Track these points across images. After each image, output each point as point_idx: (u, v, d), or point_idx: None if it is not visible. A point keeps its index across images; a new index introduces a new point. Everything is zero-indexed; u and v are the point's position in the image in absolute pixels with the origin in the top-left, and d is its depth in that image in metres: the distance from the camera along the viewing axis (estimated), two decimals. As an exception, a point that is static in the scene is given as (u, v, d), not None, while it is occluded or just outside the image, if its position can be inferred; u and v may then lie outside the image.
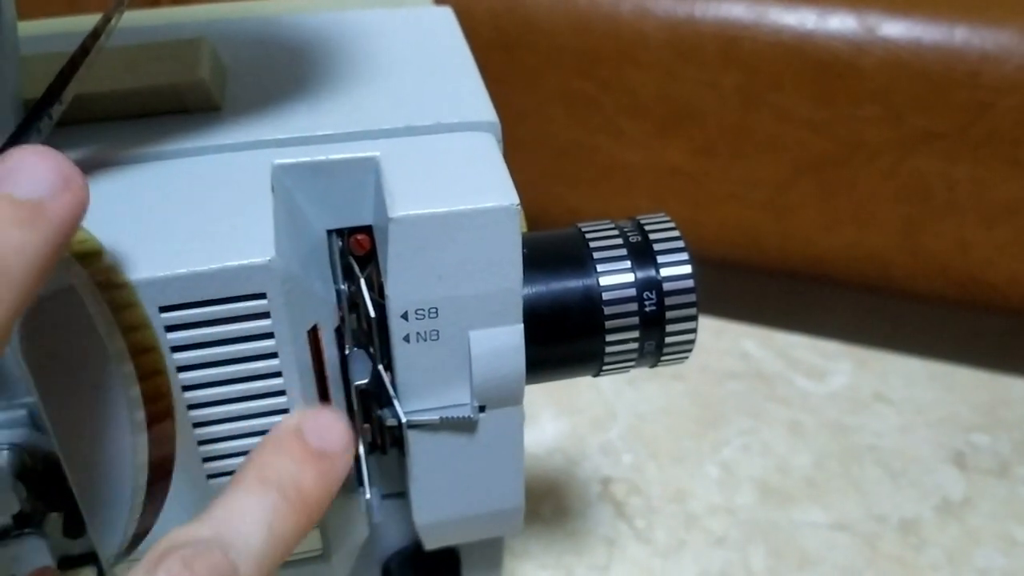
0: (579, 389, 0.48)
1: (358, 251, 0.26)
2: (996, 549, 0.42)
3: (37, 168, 0.18)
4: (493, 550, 0.34)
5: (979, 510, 0.44)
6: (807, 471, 0.45)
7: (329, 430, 0.21)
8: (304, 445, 0.21)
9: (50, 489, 0.27)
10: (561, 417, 0.47)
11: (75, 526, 0.27)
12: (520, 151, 0.79)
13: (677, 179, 0.76)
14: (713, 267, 0.79)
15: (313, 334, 0.24)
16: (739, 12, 0.71)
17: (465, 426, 0.26)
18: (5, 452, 0.26)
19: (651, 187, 0.77)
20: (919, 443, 0.47)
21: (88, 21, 0.29)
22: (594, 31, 0.73)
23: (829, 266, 0.75)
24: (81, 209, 0.18)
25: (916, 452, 0.46)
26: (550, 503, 0.43)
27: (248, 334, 0.22)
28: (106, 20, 0.22)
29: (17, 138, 0.22)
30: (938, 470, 0.46)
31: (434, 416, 0.26)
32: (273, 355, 0.23)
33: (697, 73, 0.72)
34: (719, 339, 0.52)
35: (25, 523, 0.26)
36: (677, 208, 0.77)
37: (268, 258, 0.22)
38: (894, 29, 0.68)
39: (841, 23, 0.68)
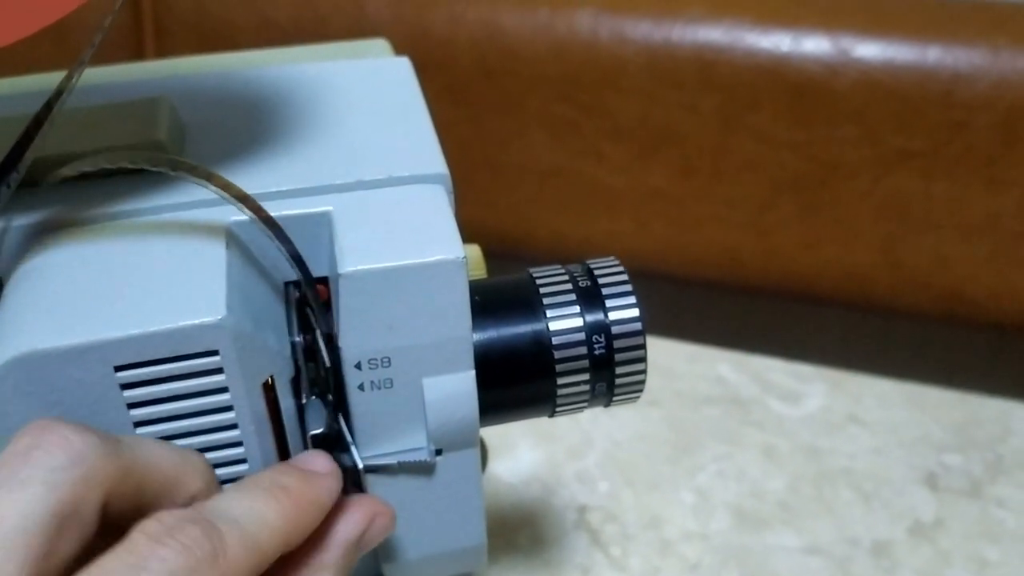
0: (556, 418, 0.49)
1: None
2: (967, 571, 0.43)
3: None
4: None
5: (951, 531, 0.44)
6: (781, 495, 0.46)
7: (313, 458, 0.25)
8: (290, 464, 0.24)
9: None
10: (538, 446, 0.48)
11: None
12: (504, 176, 0.80)
13: (659, 201, 0.77)
14: (694, 289, 0.80)
15: (269, 386, 0.25)
16: (715, 36, 0.72)
17: (422, 469, 0.27)
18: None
19: (634, 210, 0.77)
20: (892, 464, 0.47)
21: (39, 81, 0.30)
22: (574, 57, 0.74)
23: (811, 284, 0.76)
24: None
25: (889, 474, 0.47)
26: (526, 533, 0.44)
27: (203, 389, 0.23)
28: (58, 93, 0.23)
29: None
30: (910, 491, 0.46)
31: (392, 460, 0.27)
32: (228, 408, 0.24)
33: (676, 96, 0.73)
34: (694, 364, 0.53)
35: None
36: (660, 230, 0.78)
37: (219, 317, 0.22)
38: (868, 50, 0.69)
39: (815, 46, 0.69)
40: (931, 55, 0.68)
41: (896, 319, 0.75)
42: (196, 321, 0.22)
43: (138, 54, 0.78)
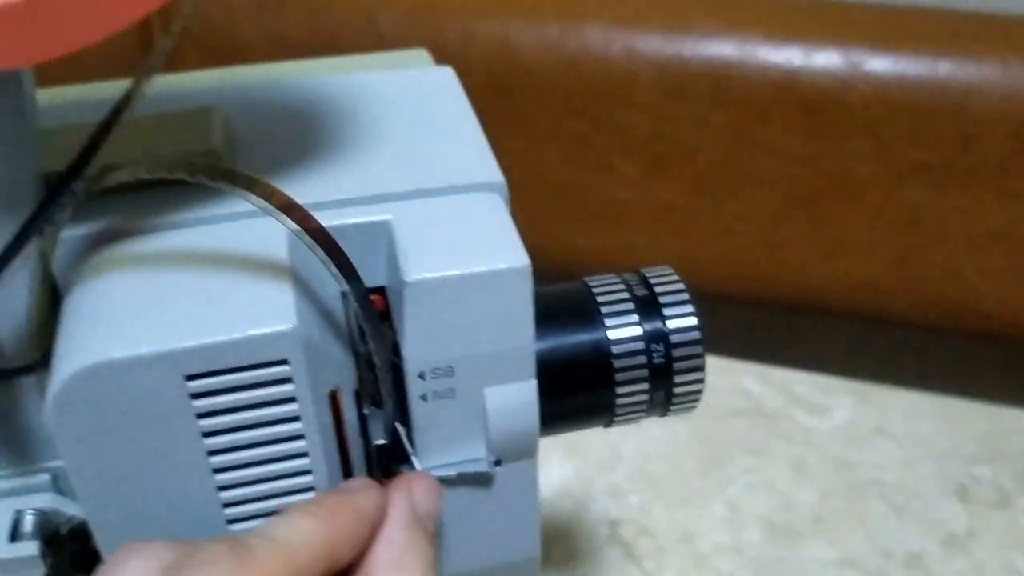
0: (585, 432, 0.49)
1: (373, 311, 0.27)
2: (1002, 581, 0.43)
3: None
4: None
5: (983, 542, 0.44)
6: (812, 507, 0.46)
7: (348, 482, 0.25)
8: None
9: (75, 552, 0.27)
10: (568, 460, 0.48)
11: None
12: (516, 191, 0.80)
13: (671, 215, 0.77)
14: (709, 303, 0.80)
15: (333, 396, 0.24)
16: (727, 51, 0.72)
17: (481, 480, 0.27)
18: (30, 516, 0.26)
19: (646, 224, 0.78)
20: (922, 477, 0.47)
21: (100, 89, 0.30)
22: (585, 73, 0.74)
23: (824, 297, 0.76)
24: None
25: (919, 486, 0.47)
26: (559, 547, 0.43)
27: (271, 399, 0.23)
28: (126, 99, 0.22)
29: (39, 213, 0.23)
30: (941, 503, 0.46)
31: (451, 471, 0.26)
32: (296, 418, 0.23)
33: (687, 111, 0.74)
34: (720, 377, 0.53)
35: (50, 588, 0.26)
36: (672, 244, 0.78)
37: (290, 326, 0.22)
38: (879, 64, 0.69)
39: (827, 60, 0.70)
40: (942, 69, 0.68)
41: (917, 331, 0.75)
42: (268, 330, 0.22)
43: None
